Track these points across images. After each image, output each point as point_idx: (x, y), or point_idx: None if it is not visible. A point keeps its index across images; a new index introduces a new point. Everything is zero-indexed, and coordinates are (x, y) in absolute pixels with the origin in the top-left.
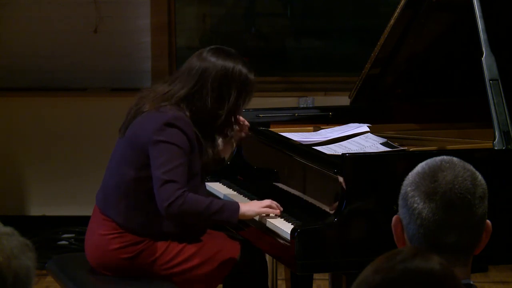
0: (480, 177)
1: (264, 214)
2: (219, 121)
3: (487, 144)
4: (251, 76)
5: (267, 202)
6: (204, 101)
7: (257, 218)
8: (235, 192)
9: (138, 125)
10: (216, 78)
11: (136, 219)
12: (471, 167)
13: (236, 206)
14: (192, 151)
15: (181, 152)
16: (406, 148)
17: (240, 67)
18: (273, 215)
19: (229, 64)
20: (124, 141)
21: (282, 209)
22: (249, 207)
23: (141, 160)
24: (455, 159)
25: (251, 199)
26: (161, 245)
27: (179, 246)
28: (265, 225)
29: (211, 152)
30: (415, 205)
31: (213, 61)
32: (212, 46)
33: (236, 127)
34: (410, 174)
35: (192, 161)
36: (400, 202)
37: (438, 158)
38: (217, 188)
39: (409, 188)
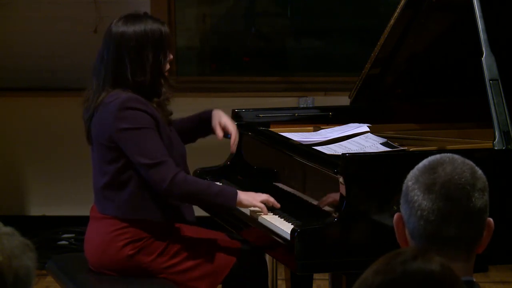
0: (480, 171)
1: (258, 209)
2: (147, 85)
3: (487, 144)
4: (164, 29)
5: (265, 196)
6: (129, 73)
7: (258, 218)
8: None
9: (97, 123)
10: (132, 48)
11: (135, 206)
12: (471, 163)
13: (234, 192)
14: (158, 124)
15: (150, 131)
16: (406, 148)
17: (150, 27)
18: (271, 213)
19: (139, 27)
20: (94, 146)
21: (279, 206)
22: (247, 196)
23: (116, 151)
24: (455, 155)
25: None
26: (160, 244)
27: (177, 246)
28: (265, 225)
29: None
30: (415, 197)
31: (123, 30)
32: (119, 18)
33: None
34: (411, 171)
35: (162, 132)
36: (401, 199)
37: (438, 155)
38: None
39: (409, 183)
